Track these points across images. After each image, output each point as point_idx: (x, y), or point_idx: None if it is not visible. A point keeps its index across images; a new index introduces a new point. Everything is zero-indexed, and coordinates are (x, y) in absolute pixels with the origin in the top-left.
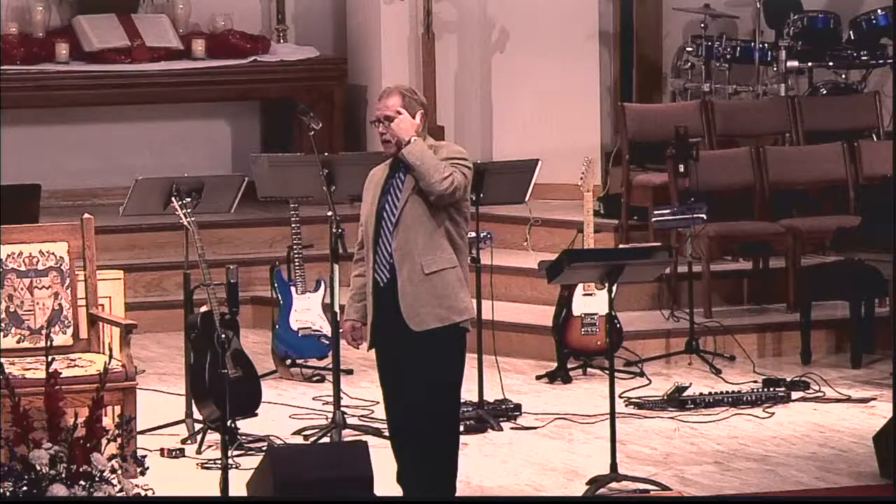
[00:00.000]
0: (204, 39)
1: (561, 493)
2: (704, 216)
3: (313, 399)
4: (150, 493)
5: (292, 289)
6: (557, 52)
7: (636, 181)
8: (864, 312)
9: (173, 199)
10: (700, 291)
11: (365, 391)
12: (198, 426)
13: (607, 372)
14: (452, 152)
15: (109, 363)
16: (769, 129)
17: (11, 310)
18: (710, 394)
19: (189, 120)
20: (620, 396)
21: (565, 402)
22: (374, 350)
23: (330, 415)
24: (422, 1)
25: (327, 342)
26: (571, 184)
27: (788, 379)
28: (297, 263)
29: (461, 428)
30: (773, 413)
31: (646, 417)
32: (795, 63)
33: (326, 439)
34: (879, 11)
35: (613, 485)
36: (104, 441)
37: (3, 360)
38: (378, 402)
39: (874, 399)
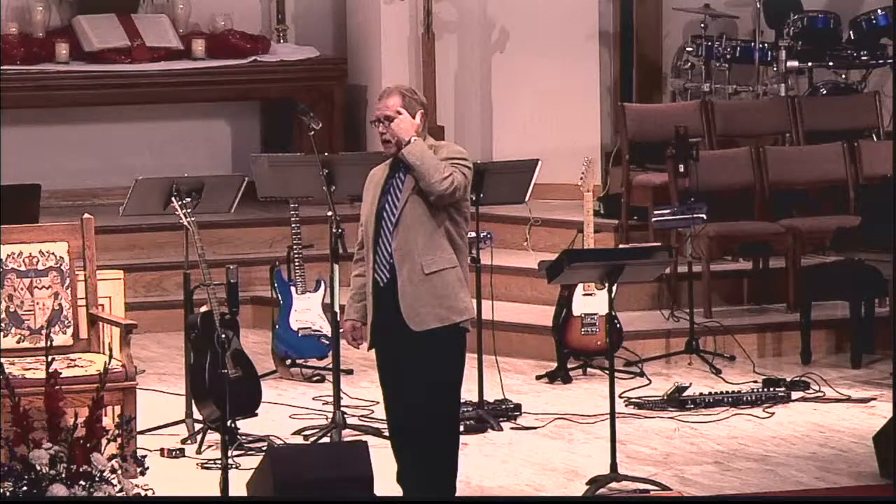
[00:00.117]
0: (204, 39)
1: (561, 493)
2: (704, 216)
3: (313, 399)
4: (150, 493)
5: (292, 289)
6: (557, 52)
7: (636, 181)
8: (864, 312)
9: (173, 199)
10: (700, 291)
11: (365, 391)
12: (198, 426)
13: (607, 372)
14: (452, 152)
15: (109, 363)
16: (769, 129)
17: (11, 310)
18: (710, 394)
19: (189, 120)
20: (620, 396)
21: (565, 402)
22: (374, 350)
23: (330, 415)
24: (422, 1)
25: (327, 342)
26: (571, 184)
27: (788, 379)
28: (297, 263)
29: (461, 428)
30: (773, 413)
31: (646, 417)
32: (795, 63)
33: (326, 439)
34: (879, 11)
35: (613, 485)
36: (104, 441)
37: (3, 360)
38: (378, 402)
39: (874, 399)
